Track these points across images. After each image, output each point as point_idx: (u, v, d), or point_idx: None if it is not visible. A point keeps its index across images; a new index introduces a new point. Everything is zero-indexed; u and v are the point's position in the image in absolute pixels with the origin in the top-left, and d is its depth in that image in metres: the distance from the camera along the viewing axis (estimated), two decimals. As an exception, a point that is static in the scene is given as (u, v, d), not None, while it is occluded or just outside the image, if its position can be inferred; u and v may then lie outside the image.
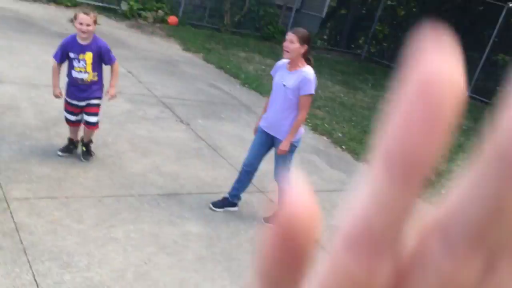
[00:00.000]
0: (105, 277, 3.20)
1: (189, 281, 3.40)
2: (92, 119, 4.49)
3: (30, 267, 3.10)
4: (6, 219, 3.49)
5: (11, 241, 3.28)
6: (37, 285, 2.96)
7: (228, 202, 4.44)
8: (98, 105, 4.49)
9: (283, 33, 10.97)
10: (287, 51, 3.86)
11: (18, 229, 3.42)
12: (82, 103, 4.43)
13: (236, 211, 4.48)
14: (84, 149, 4.63)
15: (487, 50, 13.66)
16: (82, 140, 4.64)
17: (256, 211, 4.63)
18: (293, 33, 3.87)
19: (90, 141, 4.66)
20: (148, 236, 3.78)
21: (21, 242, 3.30)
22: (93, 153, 4.69)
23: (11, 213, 3.58)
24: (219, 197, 4.49)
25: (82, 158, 4.59)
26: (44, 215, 3.67)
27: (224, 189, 4.56)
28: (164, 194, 4.47)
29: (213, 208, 4.37)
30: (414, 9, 18.10)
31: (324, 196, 5.33)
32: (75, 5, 11.80)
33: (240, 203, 4.53)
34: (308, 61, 3.96)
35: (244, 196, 4.68)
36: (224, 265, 3.69)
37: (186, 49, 11.13)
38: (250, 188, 5.08)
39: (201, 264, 3.63)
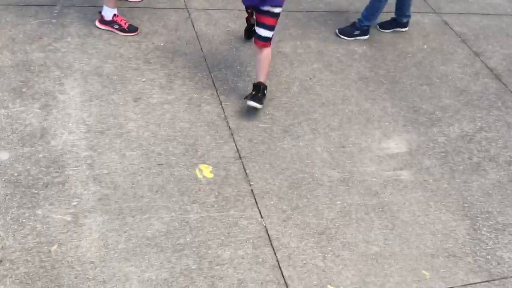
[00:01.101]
0: (273, 88, 3.47)
1: (350, 99, 3.52)
2: (265, 32, 3.10)
3: (210, 72, 3.47)
4: (188, 28, 3.84)
5: (193, 48, 3.65)
6: (216, 89, 3.35)
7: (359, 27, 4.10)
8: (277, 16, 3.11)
9: None
10: None
11: (199, 38, 3.76)
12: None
13: (367, 39, 4.27)
14: (253, 92, 3.17)
15: None
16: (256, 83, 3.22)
17: (428, 34, 4.35)
18: None
19: (264, 86, 3.20)
20: (314, 52, 3.88)
21: (202, 50, 3.66)
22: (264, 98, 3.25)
23: (192, 22, 3.91)
24: (388, 17, 4.27)
25: (249, 103, 3.14)
26: (220, 26, 3.94)
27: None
28: (332, 11, 4.40)
29: (340, 35, 4.09)
30: None
31: None
32: None
33: (410, 22, 4.28)
34: None
35: (415, 16, 4.39)
36: (386, 87, 3.70)
37: None
38: (423, 8, 4.71)
39: (363, 83, 3.69)
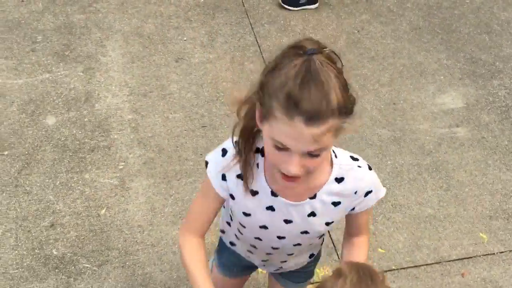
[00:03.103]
0: (319, 43, 3.30)
1: (401, 52, 3.31)
2: None
3: (252, 29, 3.34)
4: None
5: (234, 3, 3.50)
6: (259, 46, 3.22)
7: None
8: None
9: None
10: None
11: (240, -8, 3.61)
12: None
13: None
14: None
15: None
16: None
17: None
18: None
19: None
20: (363, 2, 3.65)
21: (243, 5, 3.51)
22: None
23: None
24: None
25: None
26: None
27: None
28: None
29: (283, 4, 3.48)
30: None
31: None
32: None
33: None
34: None
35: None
36: (442, 37, 3.45)
37: None
38: None
39: (416, 34, 3.45)
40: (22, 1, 3.31)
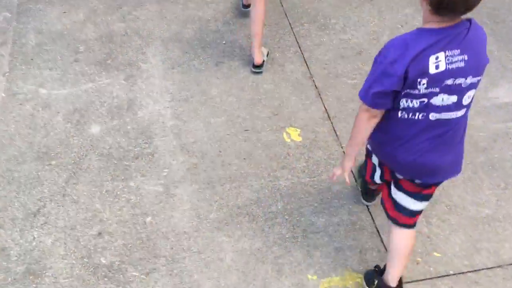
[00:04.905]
0: (361, 40, 3.21)
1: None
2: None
3: (292, 29, 3.27)
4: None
5: (272, 4, 3.45)
6: (299, 46, 3.16)
7: None
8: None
9: None
10: None
11: (278, -8, 3.55)
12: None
13: None
14: None
15: None
16: None
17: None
18: None
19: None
20: (405, -4, 3.52)
21: (281, 5, 3.45)
22: None
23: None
24: None
25: None
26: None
27: None
28: None
29: None
30: None
31: None
32: None
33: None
34: None
35: None
36: (491, 28, 3.27)
37: None
38: None
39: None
40: (64, 12, 3.36)
